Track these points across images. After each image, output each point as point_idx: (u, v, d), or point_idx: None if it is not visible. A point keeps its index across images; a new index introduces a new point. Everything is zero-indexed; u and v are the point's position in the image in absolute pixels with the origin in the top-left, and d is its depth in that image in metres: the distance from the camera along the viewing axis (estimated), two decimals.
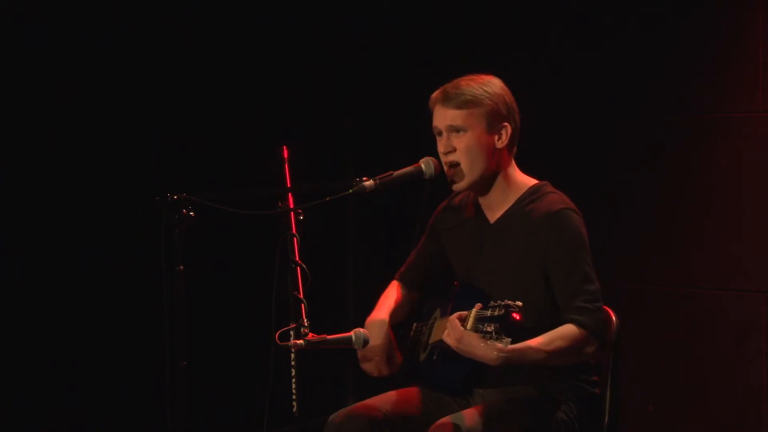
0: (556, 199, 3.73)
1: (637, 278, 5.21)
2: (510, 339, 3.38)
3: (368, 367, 3.87)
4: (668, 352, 5.13)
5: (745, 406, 4.94)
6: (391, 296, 4.00)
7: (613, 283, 5.00)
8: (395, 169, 3.74)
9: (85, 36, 5.52)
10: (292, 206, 3.76)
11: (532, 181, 3.81)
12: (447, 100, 3.72)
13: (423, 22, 5.69)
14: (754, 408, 4.91)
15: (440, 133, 3.76)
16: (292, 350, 3.64)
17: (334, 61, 5.84)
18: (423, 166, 3.75)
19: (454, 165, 3.73)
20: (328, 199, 3.67)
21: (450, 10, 5.60)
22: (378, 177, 3.71)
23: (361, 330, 3.70)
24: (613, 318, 3.84)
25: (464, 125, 3.70)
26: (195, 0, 5.75)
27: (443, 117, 3.73)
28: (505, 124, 3.73)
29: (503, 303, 3.37)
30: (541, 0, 5.35)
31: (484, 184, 3.76)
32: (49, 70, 5.47)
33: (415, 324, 3.98)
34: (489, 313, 3.39)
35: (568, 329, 3.58)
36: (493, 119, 3.71)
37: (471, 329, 3.41)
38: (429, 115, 3.80)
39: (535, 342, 3.53)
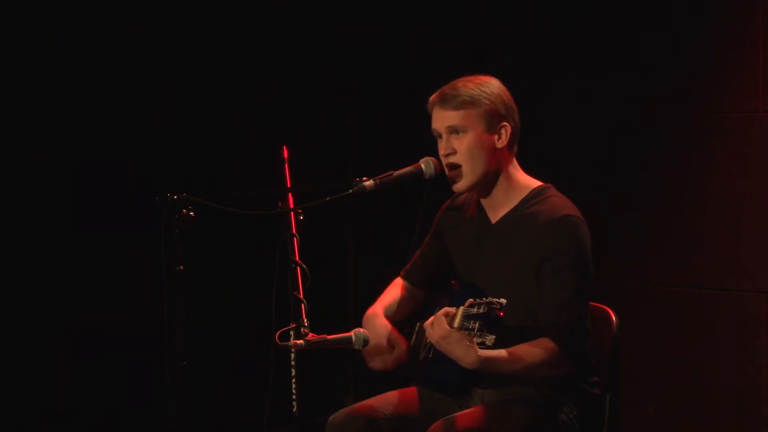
0: (560, 203, 3.72)
1: (637, 278, 5.20)
2: (494, 336, 3.38)
3: (374, 364, 3.85)
4: (668, 352, 5.13)
5: (745, 406, 4.94)
6: (389, 293, 4.00)
7: (613, 283, 5.01)
8: (395, 169, 3.74)
9: (86, 36, 5.52)
10: (292, 206, 3.76)
11: (535, 183, 3.80)
12: (445, 101, 3.71)
13: (423, 22, 5.69)
14: (754, 408, 4.91)
15: (440, 136, 3.75)
16: (292, 350, 3.64)
17: (334, 61, 5.84)
18: (423, 166, 3.75)
19: (455, 167, 3.72)
20: (328, 199, 3.67)
21: (450, 9, 5.59)
22: (378, 177, 3.71)
23: (361, 330, 3.70)
24: (613, 318, 3.85)
25: (463, 126, 3.70)
26: (195, 0, 5.75)
27: (442, 119, 3.73)
28: (505, 123, 3.73)
29: (486, 300, 3.37)
30: (541, 0, 5.35)
31: (486, 184, 3.76)
32: (49, 69, 5.47)
33: (418, 324, 3.98)
34: (475, 310, 3.38)
35: (546, 346, 3.57)
36: (492, 119, 3.71)
37: (458, 326, 3.41)
38: (428, 118, 3.80)
39: (511, 352, 3.52)
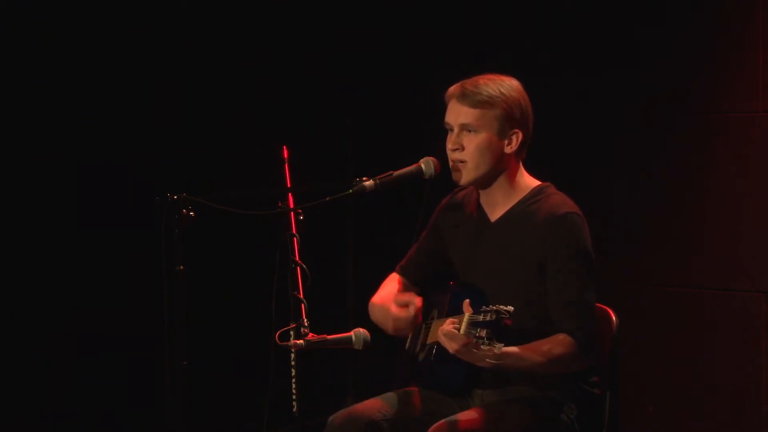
0: (560, 201, 3.72)
1: (637, 278, 5.20)
2: (502, 344, 3.38)
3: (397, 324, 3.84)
4: (668, 352, 5.13)
5: (745, 406, 4.94)
6: (387, 286, 3.97)
7: (613, 283, 5.01)
8: (395, 169, 3.74)
9: (86, 36, 5.53)
10: (292, 206, 3.76)
11: (535, 182, 3.80)
12: (463, 97, 3.70)
13: (423, 22, 5.69)
14: (754, 408, 4.91)
15: (451, 129, 3.75)
16: (292, 350, 3.64)
17: (334, 61, 5.85)
18: (423, 166, 3.75)
19: (460, 162, 3.73)
20: (328, 199, 3.67)
21: (450, 9, 5.60)
22: (378, 177, 3.70)
23: (361, 330, 3.70)
24: (613, 318, 3.84)
25: (476, 125, 3.69)
26: (195, 0, 5.75)
27: (457, 113, 3.72)
28: (517, 130, 3.71)
29: (494, 308, 3.37)
30: (541, 0, 5.35)
31: (487, 181, 3.76)
32: (49, 69, 5.47)
33: None
34: (481, 318, 3.38)
35: (562, 341, 3.58)
36: (506, 123, 3.69)
37: (464, 334, 3.41)
38: (438, 111, 3.79)
39: (528, 350, 3.53)
